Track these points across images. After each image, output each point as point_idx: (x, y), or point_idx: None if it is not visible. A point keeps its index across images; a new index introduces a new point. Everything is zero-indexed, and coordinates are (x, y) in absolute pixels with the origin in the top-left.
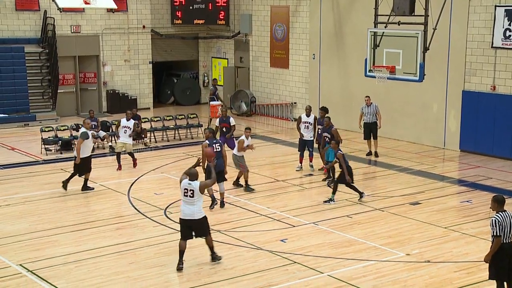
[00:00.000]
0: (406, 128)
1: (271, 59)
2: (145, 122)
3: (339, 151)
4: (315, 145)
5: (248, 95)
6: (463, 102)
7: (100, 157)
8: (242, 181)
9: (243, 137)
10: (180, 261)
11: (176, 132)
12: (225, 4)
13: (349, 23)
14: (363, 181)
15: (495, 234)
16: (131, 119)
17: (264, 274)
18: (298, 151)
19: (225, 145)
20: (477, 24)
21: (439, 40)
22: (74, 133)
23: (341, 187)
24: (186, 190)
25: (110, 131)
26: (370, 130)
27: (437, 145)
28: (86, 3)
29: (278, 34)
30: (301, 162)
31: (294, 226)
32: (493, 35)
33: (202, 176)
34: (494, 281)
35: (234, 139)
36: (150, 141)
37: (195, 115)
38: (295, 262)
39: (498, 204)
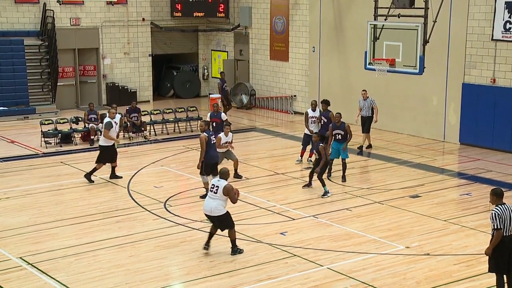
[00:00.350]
0: (406, 121)
1: (271, 52)
2: (144, 115)
3: (321, 144)
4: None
5: (248, 88)
6: (463, 95)
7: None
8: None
9: (221, 134)
10: (206, 242)
11: (176, 125)
12: None
13: (349, 16)
14: (362, 174)
15: (495, 227)
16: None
17: (264, 267)
18: (302, 145)
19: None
20: (477, 17)
21: (439, 33)
22: (74, 126)
23: (338, 180)
24: (213, 186)
25: None
26: (365, 124)
27: (437, 138)
28: None
29: (278, 26)
30: (301, 156)
31: (294, 219)
32: (493, 27)
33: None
34: (494, 274)
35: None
36: (149, 134)
37: (194, 108)
38: (295, 255)
39: (497, 197)
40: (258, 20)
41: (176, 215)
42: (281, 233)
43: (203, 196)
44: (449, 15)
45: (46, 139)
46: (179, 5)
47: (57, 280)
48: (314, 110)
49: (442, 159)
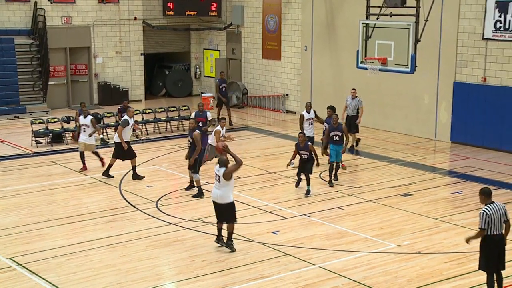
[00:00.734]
0: (398, 119)
1: (263, 51)
2: (137, 114)
3: (309, 143)
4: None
5: (240, 87)
6: (454, 94)
7: None
8: None
9: (218, 128)
10: (218, 237)
11: (168, 124)
12: None
13: (341, 15)
14: (354, 173)
15: (480, 227)
16: (88, 116)
17: (256, 266)
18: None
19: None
20: (468, 16)
21: (430, 32)
22: (65, 125)
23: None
24: (216, 175)
25: (101, 123)
26: (350, 123)
27: (428, 136)
28: None
29: (270, 25)
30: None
31: (286, 218)
32: (484, 26)
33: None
34: (484, 272)
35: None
36: (141, 133)
37: (187, 107)
38: (286, 254)
39: (485, 196)
40: (251, 19)
41: (168, 215)
42: (273, 232)
43: (196, 196)
44: (441, 14)
45: (37, 139)
46: (171, 4)
47: (47, 281)
48: (308, 112)
49: (434, 158)
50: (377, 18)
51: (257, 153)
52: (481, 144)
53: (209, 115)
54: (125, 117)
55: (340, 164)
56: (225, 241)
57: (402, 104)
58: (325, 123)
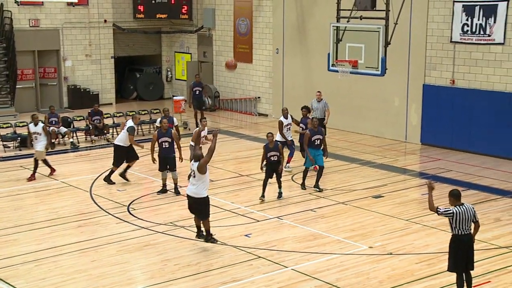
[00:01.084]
0: (369, 122)
1: (234, 54)
2: (107, 117)
3: (279, 143)
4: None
5: (211, 90)
6: (424, 96)
7: (61, 154)
8: None
9: (199, 128)
10: (198, 233)
11: (139, 127)
12: None
13: (312, 18)
14: (326, 175)
15: (440, 210)
16: (39, 123)
17: (229, 269)
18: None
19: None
20: (436, 19)
21: (400, 35)
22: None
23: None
24: (191, 170)
25: (71, 127)
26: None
27: (399, 138)
28: None
29: (242, 28)
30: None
31: (258, 221)
32: (451, 30)
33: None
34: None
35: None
36: (112, 137)
37: (158, 110)
38: (259, 257)
39: (454, 198)
40: (222, 22)
41: (139, 219)
42: (246, 235)
43: (160, 192)
44: (410, 17)
45: (4, 143)
46: (142, 6)
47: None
48: (286, 117)
49: (404, 159)
50: (348, 21)
51: (229, 156)
52: (450, 145)
53: (175, 121)
54: (131, 124)
55: (313, 166)
56: (205, 236)
57: (373, 106)
58: (301, 124)
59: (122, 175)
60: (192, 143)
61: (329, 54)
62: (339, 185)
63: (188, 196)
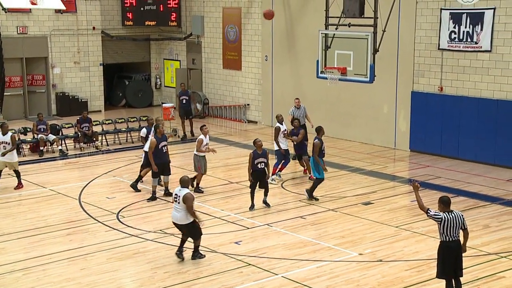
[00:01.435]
0: (358, 128)
1: (223, 61)
2: (96, 125)
3: (266, 150)
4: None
5: (201, 97)
6: (412, 103)
7: (49, 161)
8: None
9: (201, 136)
10: (179, 249)
11: (128, 134)
12: (176, 6)
13: (300, 25)
14: None
15: (429, 213)
16: (8, 133)
17: (219, 277)
18: (278, 162)
19: None
20: (424, 27)
21: (388, 42)
22: (22, 136)
23: (292, 188)
24: (175, 196)
25: (60, 134)
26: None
27: (388, 145)
28: (32, 3)
29: (231, 35)
30: (276, 172)
31: (248, 228)
32: (439, 37)
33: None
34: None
35: None
36: (101, 144)
37: (147, 118)
38: (249, 264)
39: (443, 205)
40: (211, 29)
41: (129, 226)
42: (236, 242)
43: (150, 199)
44: (398, 24)
45: None
46: (130, 13)
47: None
48: (282, 123)
49: (393, 166)
50: (336, 28)
51: (219, 163)
52: (439, 152)
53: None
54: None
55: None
56: (192, 252)
57: (361, 113)
58: (293, 136)
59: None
60: (196, 152)
61: (318, 61)
62: (329, 192)
63: (174, 223)
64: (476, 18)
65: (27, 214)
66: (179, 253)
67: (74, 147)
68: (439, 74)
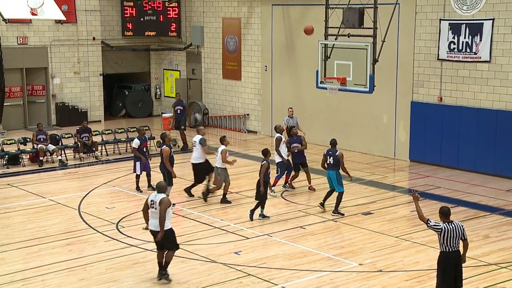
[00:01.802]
0: (357, 138)
1: (223, 71)
2: (96, 135)
3: (265, 161)
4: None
5: (200, 107)
6: (412, 113)
7: (49, 171)
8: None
9: (223, 147)
10: (159, 272)
11: (128, 145)
12: (176, 16)
13: (300, 35)
14: (315, 192)
15: (429, 224)
16: None
17: (218, 287)
18: (278, 173)
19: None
20: (423, 37)
21: (387, 52)
22: (22, 147)
23: (292, 198)
24: (152, 202)
25: (60, 144)
26: None
27: (388, 155)
28: (33, 14)
29: (230, 46)
30: (286, 181)
31: (248, 238)
32: (438, 47)
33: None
34: None
35: None
36: (101, 154)
37: (147, 128)
38: (249, 275)
39: (443, 216)
40: (210, 39)
41: (128, 236)
42: (236, 253)
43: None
44: (397, 35)
45: None
46: (130, 24)
47: None
48: (282, 133)
49: (393, 176)
50: (336, 39)
51: None
52: (439, 162)
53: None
54: (200, 136)
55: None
56: (162, 270)
57: (361, 123)
58: (294, 144)
59: (188, 190)
60: (219, 165)
61: (317, 71)
62: (329, 202)
63: (152, 231)
64: (475, 29)
65: (26, 224)
66: (161, 276)
67: (74, 157)
68: (439, 84)
